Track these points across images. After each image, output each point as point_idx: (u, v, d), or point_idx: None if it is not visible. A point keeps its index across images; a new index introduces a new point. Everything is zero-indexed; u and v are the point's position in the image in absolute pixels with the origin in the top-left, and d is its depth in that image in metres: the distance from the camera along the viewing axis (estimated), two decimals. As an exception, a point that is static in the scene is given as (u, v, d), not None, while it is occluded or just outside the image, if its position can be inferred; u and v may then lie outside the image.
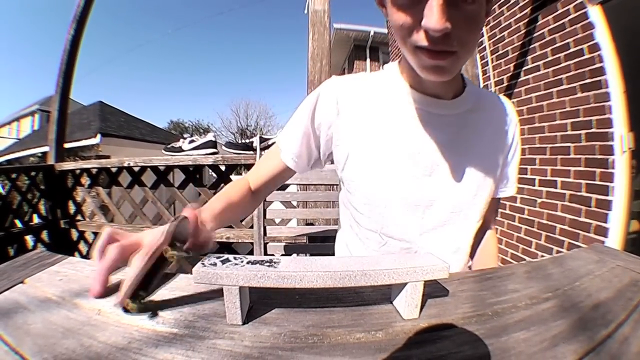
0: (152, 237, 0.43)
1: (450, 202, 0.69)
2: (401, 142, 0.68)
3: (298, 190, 1.71)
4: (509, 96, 2.78)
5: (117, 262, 0.41)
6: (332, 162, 0.78)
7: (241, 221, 2.02)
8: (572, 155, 2.18)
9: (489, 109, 0.73)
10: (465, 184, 0.69)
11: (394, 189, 0.68)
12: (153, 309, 0.40)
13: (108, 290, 0.40)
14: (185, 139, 2.30)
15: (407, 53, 0.55)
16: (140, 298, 0.39)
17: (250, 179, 0.79)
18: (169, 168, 2.18)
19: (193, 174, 2.12)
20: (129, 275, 0.39)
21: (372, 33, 10.55)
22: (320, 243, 1.47)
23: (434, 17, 0.44)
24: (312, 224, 1.77)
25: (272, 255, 1.45)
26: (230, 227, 2.03)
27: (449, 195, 0.68)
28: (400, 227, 0.70)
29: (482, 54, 3.15)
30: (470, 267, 0.81)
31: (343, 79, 0.74)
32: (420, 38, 0.49)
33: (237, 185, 0.75)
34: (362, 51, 11.32)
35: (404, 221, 0.69)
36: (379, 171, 0.68)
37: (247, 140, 2.23)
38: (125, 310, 0.39)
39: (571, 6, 2.14)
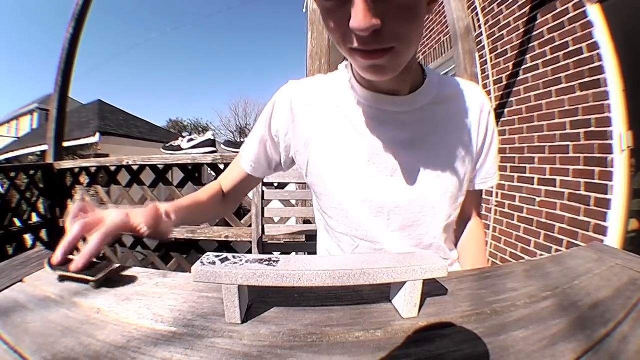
0: (113, 218, 0.50)
1: (417, 202, 0.67)
2: (358, 144, 0.66)
3: (297, 189, 1.70)
4: (508, 95, 2.78)
5: (79, 237, 0.48)
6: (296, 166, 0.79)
7: (240, 220, 2.02)
8: (571, 154, 2.18)
9: (454, 99, 0.70)
10: (432, 182, 0.66)
11: (356, 193, 0.67)
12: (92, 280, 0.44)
13: (66, 261, 0.46)
14: (184, 137, 2.29)
15: (345, 55, 0.53)
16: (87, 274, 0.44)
17: (221, 182, 0.81)
18: (168, 167, 2.17)
19: (192, 172, 2.12)
20: (86, 250, 0.46)
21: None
22: (320, 242, 1.46)
23: (358, 16, 0.42)
24: (310, 223, 1.76)
25: (271, 254, 1.45)
26: (229, 225, 2.03)
27: (415, 195, 0.66)
28: (368, 229, 0.69)
29: (481, 53, 3.15)
30: (458, 260, 0.81)
31: (298, 84, 0.73)
32: (352, 39, 0.47)
33: (209, 187, 0.78)
34: (362, 50, 11.27)
35: (371, 223, 0.68)
36: (339, 175, 0.67)
37: (246, 139, 2.22)
38: (62, 278, 0.46)
39: (570, 5, 2.14)
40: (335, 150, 0.67)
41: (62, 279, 0.46)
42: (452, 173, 0.68)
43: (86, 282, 0.45)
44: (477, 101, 0.71)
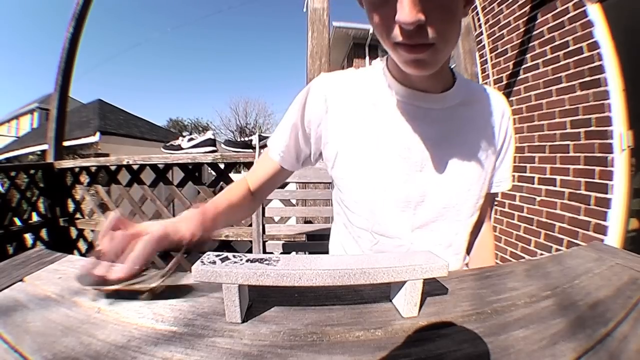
0: (157, 227, 0.48)
1: (442, 198, 0.68)
2: (390, 138, 0.67)
3: (297, 188, 1.70)
4: (508, 94, 2.78)
5: (123, 249, 0.43)
6: (323, 160, 0.78)
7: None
8: (571, 153, 2.18)
9: (480, 102, 0.73)
10: (457, 179, 0.68)
11: (385, 186, 0.68)
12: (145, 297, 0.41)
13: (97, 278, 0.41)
14: (184, 137, 2.29)
15: (388, 50, 0.55)
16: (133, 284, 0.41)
17: (249, 179, 0.80)
18: (168, 166, 2.17)
19: (192, 172, 2.12)
20: (131, 257, 0.42)
21: (371, 31, 10.47)
22: (319, 241, 1.47)
23: (404, 10, 0.44)
24: (311, 222, 1.77)
25: (271, 253, 1.45)
26: (229, 225, 2.03)
27: (441, 191, 0.68)
28: (391, 225, 0.69)
29: (481, 52, 3.15)
30: (467, 264, 0.81)
31: (332, 76, 0.73)
32: (396, 34, 0.49)
33: (237, 187, 0.76)
34: (362, 49, 11.27)
35: (395, 218, 0.69)
36: (369, 168, 0.68)
37: (246, 139, 2.23)
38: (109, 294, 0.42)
39: (570, 4, 2.14)
40: (367, 143, 0.68)
41: (108, 294, 0.42)
42: (476, 172, 0.70)
43: (138, 293, 0.41)
44: (500, 107, 0.74)
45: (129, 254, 0.43)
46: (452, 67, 0.72)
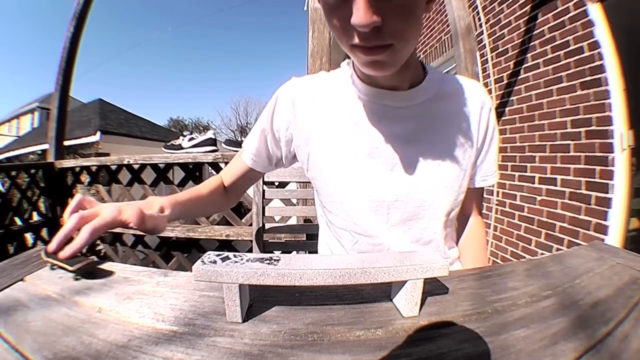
0: (105, 213, 0.53)
1: (417, 197, 0.67)
2: (358, 139, 0.67)
3: (297, 187, 1.70)
4: (509, 94, 2.78)
5: (74, 229, 0.50)
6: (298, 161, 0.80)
7: (241, 219, 2.02)
8: (572, 153, 2.18)
9: (454, 96, 0.70)
10: (431, 177, 0.67)
11: (356, 186, 0.68)
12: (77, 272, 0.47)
13: (61, 249, 0.49)
14: (185, 136, 2.29)
15: (346, 51, 0.54)
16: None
17: (223, 176, 0.83)
18: (169, 166, 2.17)
19: (193, 171, 2.12)
20: (72, 242, 0.49)
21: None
22: (320, 241, 1.46)
23: (360, 12, 0.43)
24: (311, 221, 1.77)
25: (272, 252, 1.45)
26: (230, 224, 2.04)
27: (414, 190, 0.67)
28: (367, 224, 0.69)
29: (482, 52, 3.14)
30: (458, 258, 0.81)
31: (301, 80, 0.74)
32: (353, 36, 0.48)
33: (210, 181, 0.80)
34: (362, 49, 11.25)
35: (370, 218, 0.69)
36: (340, 170, 0.68)
37: (247, 138, 2.22)
38: (52, 265, 0.50)
39: (571, 4, 2.14)
40: (336, 144, 0.68)
41: (52, 266, 0.50)
42: (452, 168, 0.68)
43: (67, 270, 0.47)
44: (478, 98, 0.71)
45: (81, 233, 0.50)
46: (420, 59, 0.71)
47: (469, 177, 0.73)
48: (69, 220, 0.51)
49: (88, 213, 0.53)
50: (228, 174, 0.83)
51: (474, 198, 0.81)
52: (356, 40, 0.48)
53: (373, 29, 0.45)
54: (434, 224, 0.70)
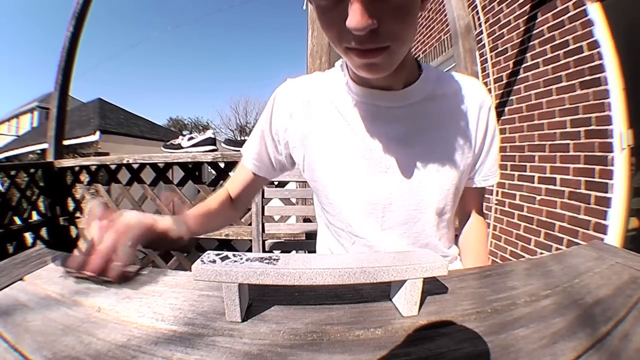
0: (140, 227, 0.50)
1: (412, 199, 0.66)
2: (352, 140, 0.66)
3: (297, 187, 1.71)
4: (509, 93, 2.78)
5: (112, 248, 0.46)
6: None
7: (240, 218, 2.02)
8: (571, 153, 2.18)
9: (452, 95, 0.68)
10: (427, 179, 0.65)
11: (350, 189, 0.67)
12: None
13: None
14: (184, 136, 2.29)
15: (340, 54, 0.52)
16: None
17: (229, 187, 0.81)
18: (168, 165, 2.17)
19: (192, 171, 2.12)
20: (122, 257, 0.45)
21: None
22: (320, 240, 1.46)
23: (355, 15, 0.42)
24: (310, 221, 1.77)
25: (271, 252, 1.45)
26: (230, 224, 2.03)
27: (409, 192, 0.66)
28: (362, 227, 0.69)
29: (481, 51, 3.14)
30: (459, 255, 0.81)
31: (296, 81, 0.73)
32: (348, 38, 0.46)
33: (217, 195, 0.78)
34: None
35: (365, 220, 0.68)
36: (334, 172, 0.68)
37: (247, 138, 2.22)
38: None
39: (570, 3, 2.14)
40: (330, 146, 0.67)
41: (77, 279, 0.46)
42: (449, 170, 0.66)
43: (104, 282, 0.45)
44: (477, 97, 0.69)
45: (120, 250, 0.46)
46: (419, 58, 0.70)
47: (468, 177, 0.73)
48: (105, 237, 0.46)
49: (122, 225, 0.49)
50: (233, 184, 0.81)
51: (475, 197, 0.80)
52: (351, 43, 0.47)
53: (369, 32, 0.44)
54: (430, 227, 0.69)
